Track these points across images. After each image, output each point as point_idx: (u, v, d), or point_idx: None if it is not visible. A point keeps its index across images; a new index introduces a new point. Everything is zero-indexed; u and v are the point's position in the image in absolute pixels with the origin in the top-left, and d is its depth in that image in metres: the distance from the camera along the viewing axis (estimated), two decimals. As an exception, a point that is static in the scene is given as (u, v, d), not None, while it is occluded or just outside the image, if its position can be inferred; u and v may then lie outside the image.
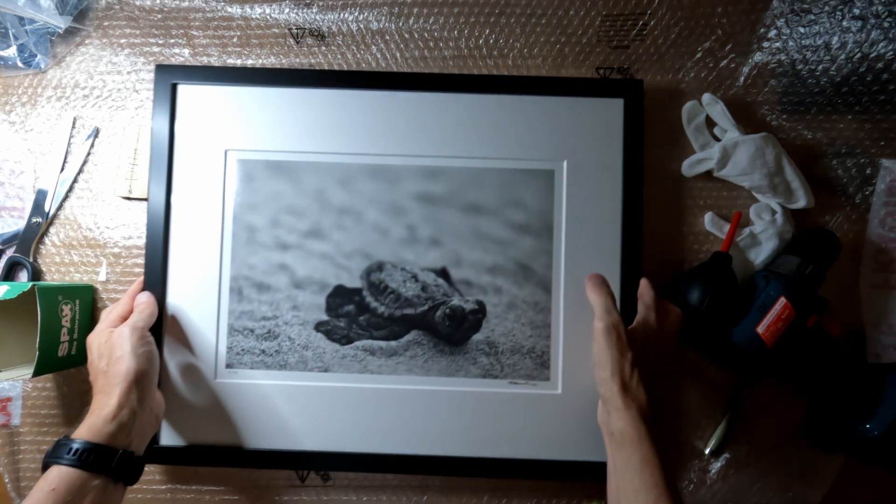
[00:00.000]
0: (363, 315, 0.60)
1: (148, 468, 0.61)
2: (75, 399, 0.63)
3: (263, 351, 0.60)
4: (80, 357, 0.60)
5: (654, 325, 0.54)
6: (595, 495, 0.60)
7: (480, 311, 0.60)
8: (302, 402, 0.60)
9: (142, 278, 0.60)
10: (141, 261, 0.62)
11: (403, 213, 0.61)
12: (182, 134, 0.61)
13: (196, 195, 0.61)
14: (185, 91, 0.61)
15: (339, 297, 0.60)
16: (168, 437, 0.60)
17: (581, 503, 0.62)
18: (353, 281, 0.60)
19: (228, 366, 0.60)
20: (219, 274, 0.60)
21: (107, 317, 0.57)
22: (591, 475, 0.57)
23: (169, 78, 0.61)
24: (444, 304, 0.59)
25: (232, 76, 0.61)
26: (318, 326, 0.60)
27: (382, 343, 0.60)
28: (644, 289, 0.57)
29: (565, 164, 0.60)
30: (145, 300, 0.58)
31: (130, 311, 0.57)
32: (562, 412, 0.59)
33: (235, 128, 0.61)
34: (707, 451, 0.61)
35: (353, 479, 0.62)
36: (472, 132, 0.60)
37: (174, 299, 0.60)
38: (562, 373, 0.59)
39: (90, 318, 0.62)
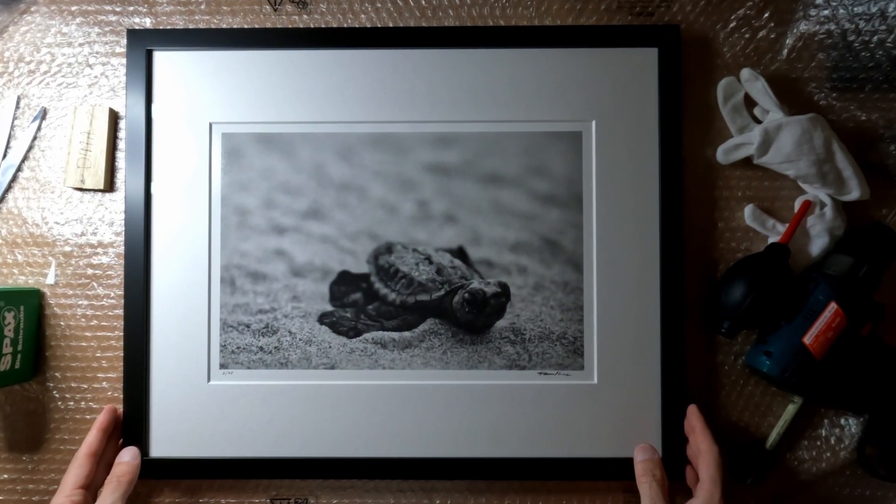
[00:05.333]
0: (372, 304, 0.57)
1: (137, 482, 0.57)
2: (20, 420, 0.59)
3: (261, 348, 0.57)
4: (24, 372, 0.57)
5: None
6: (635, 493, 0.57)
7: (503, 294, 0.57)
8: (306, 404, 0.56)
9: (108, 411, 0.56)
10: (96, 261, 0.59)
11: (413, 186, 0.57)
12: (160, 109, 0.58)
13: (178, 177, 0.57)
14: (162, 59, 0.58)
15: (345, 285, 0.57)
16: (157, 449, 0.57)
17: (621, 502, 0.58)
18: (360, 266, 0.57)
19: (223, 366, 0.57)
20: (208, 263, 0.57)
21: (66, 481, 0.51)
22: (631, 473, 0.55)
23: (142, 44, 0.57)
24: (463, 287, 0.56)
25: (214, 39, 0.57)
26: (322, 318, 0.57)
27: (395, 334, 0.57)
28: (704, 443, 0.51)
29: (594, 124, 0.57)
30: (128, 461, 0.54)
31: (92, 470, 0.52)
32: (598, 404, 0.56)
33: (220, 98, 0.58)
34: (767, 446, 0.57)
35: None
36: (488, 92, 0.57)
37: (159, 295, 0.57)
38: (597, 361, 0.56)
39: (36, 326, 0.58)
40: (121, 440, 0.56)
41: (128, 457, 0.54)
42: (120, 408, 0.57)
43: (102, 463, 0.54)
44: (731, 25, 0.59)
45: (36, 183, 0.59)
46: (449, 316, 0.57)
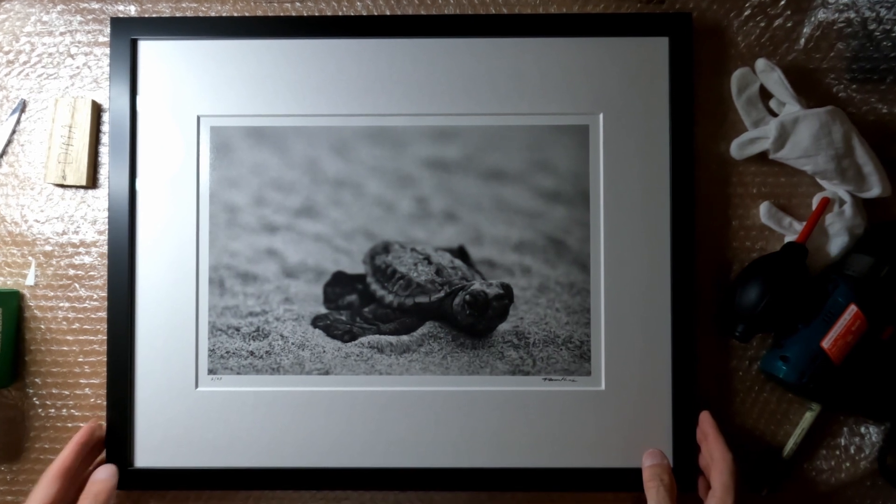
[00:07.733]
0: (368, 306, 0.57)
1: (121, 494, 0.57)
2: (-1, 427, 0.59)
3: (252, 353, 0.56)
4: (3, 377, 0.56)
5: None
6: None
7: (506, 295, 0.56)
8: (299, 412, 0.56)
9: (88, 429, 0.54)
10: (78, 261, 0.59)
11: (411, 183, 0.57)
12: (145, 101, 0.57)
13: (164, 173, 0.57)
14: (147, 48, 0.58)
15: (339, 286, 0.57)
16: (143, 459, 0.56)
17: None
18: (355, 266, 0.57)
19: (211, 372, 0.56)
20: (195, 264, 0.57)
21: (34, 498, 0.49)
22: (640, 484, 0.54)
23: (127, 33, 0.57)
24: (464, 289, 0.56)
25: (203, 28, 0.57)
26: (316, 321, 0.57)
27: (392, 338, 0.57)
28: (718, 450, 0.51)
29: (601, 117, 0.57)
30: (103, 479, 0.52)
31: (62, 488, 0.50)
32: (606, 412, 0.56)
33: (208, 90, 0.57)
34: (784, 455, 0.56)
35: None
36: (490, 84, 0.57)
37: (144, 297, 0.56)
38: (605, 366, 0.56)
39: (15, 329, 0.57)
40: (104, 452, 0.55)
41: (104, 474, 0.53)
42: (103, 424, 0.55)
43: (78, 479, 0.53)
44: (746, 14, 0.58)
45: (15, 179, 0.59)
46: (449, 319, 0.56)
